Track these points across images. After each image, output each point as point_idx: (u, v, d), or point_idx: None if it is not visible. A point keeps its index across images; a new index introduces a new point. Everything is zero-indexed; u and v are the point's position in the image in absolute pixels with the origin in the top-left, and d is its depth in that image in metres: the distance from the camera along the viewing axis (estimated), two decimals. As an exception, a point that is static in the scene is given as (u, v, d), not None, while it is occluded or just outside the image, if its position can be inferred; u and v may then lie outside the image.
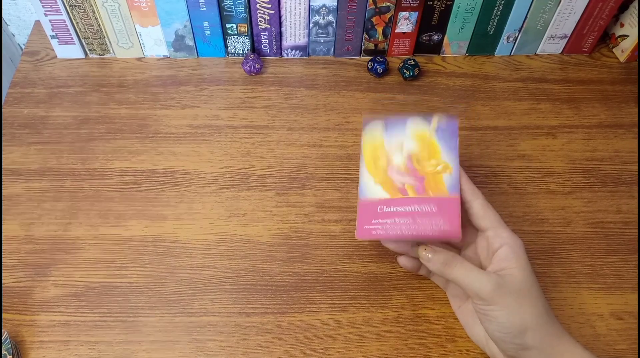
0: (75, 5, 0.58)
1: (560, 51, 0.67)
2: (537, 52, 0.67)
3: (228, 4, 0.58)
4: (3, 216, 0.51)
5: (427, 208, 0.42)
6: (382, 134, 0.45)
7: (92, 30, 0.61)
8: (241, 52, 0.64)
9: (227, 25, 0.61)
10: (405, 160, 0.44)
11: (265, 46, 0.63)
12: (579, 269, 0.49)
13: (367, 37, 0.63)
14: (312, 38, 0.63)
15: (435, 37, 0.64)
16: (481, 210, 0.42)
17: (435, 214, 0.42)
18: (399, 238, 0.42)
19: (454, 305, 0.45)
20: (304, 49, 0.64)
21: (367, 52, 0.65)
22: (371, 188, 0.44)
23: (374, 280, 0.48)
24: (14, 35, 0.74)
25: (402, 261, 0.46)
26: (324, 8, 0.59)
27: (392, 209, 0.43)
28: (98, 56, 0.64)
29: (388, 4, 0.59)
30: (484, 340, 0.42)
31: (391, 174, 0.44)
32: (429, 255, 0.41)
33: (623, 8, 0.65)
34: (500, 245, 0.40)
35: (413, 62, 0.62)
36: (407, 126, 0.45)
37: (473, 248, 0.44)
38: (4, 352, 0.41)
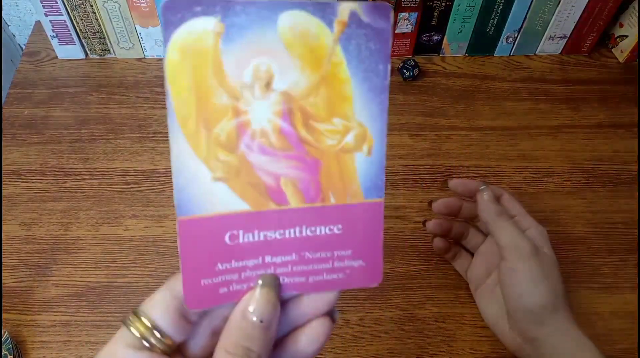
0: (75, 6, 0.58)
1: (559, 51, 0.67)
2: (537, 52, 0.67)
3: (228, 5, 0.58)
4: (3, 216, 0.51)
5: (326, 230, 0.24)
6: (219, 45, 0.21)
7: (92, 30, 0.61)
8: (241, 52, 0.64)
9: (227, 26, 0.61)
10: (276, 116, 0.23)
11: (265, 47, 0.63)
12: (578, 269, 0.49)
13: (367, 37, 0.63)
14: (312, 38, 0.63)
15: (435, 37, 0.64)
16: (509, 203, 0.43)
17: (340, 241, 0.24)
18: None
19: (472, 287, 0.46)
20: (304, 50, 0.64)
21: (367, 52, 0.65)
22: (207, 190, 0.23)
23: (374, 279, 0.48)
24: (14, 35, 0.74)
25: (437, 242, 0.46)
26: (324, 8, 0.59)
27: (254, 238, 0.23)
28: (98, 57, 0.64)
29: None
30: (495, 318, 0.42)
31: (248, 155, 0.23)
32: (491, 202, 0.41)
33: (622, 8, 0.65)
34: (528, 226, 0.42)
35: (413, 63, 0.62)
36: (278, 25, 0.22)
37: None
38: (4, 352, 0.41)
